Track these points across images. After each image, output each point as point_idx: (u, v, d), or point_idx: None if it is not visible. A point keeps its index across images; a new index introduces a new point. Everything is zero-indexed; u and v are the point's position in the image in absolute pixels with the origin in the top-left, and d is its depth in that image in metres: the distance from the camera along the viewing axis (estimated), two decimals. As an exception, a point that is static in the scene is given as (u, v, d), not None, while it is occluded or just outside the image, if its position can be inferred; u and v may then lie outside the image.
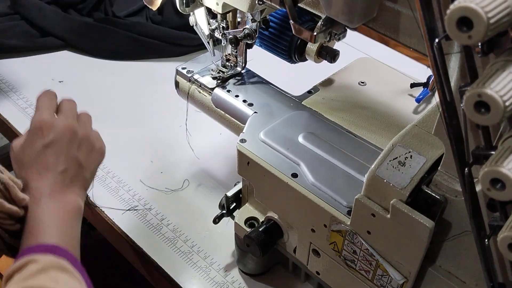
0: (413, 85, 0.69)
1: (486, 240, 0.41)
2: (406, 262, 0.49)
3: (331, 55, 0.65)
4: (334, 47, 0.66)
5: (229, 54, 0.68)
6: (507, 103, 0.30)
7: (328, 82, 0.70)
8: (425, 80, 0.67)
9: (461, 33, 0.29)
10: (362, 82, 0.70)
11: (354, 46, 1.01)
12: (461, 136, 0.39)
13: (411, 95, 0.68)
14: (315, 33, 0.48)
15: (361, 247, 0.52)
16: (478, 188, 0.41)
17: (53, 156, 0.57)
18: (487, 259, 0.42)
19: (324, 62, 0.67)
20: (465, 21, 0.29)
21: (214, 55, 0.69)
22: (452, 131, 0.38)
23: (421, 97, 0.66)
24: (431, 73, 0.68)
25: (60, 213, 0.55)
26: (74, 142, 0.59)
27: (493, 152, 0.35)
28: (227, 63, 0.68)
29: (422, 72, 0.73)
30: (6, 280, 0.48)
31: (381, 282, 0.52)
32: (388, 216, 0.46)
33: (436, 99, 0.39)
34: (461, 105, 0.34)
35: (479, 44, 0.34)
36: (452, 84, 0.39)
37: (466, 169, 0.39)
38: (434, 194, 0.45)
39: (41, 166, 0.56)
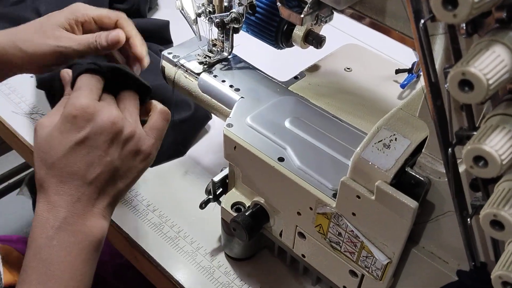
0: (398, 71, 0.69)
1: (468, 220, 0.42)
2: (390, 243, 0.49)
3: (318, 41, 0.65)
4: (322, 32, 0.66)
5: (215, 39, 0.67)
6: (490, 81, 0.30)
7: (314, 68, 0.71)
8: (410, 66, 0.68)
9: (446, 11, 0.30)
10: (348, 68, 0.70)
11: (344, 30, 1.01)
12: (445, 117, 0.40)
13: (396, 81, 0.69)
14: (302, 16, 0.49)
15: (346, 229, 0.52)
16: (461, 169, 0.42)
17: (85, 159, 0.47)
18: (469, 238, 0.44)
19: (311, 48, 0.68)
20: (450, 0, 0.30)
21: (200, 40, 0.69)
22: (436, 112, 0.39)
23: (406, 83, 0.67)
24: (416, 59, 0.69)
25: (73, 252, 0.46)
26: (116, 142, 0.48)
27: (475, 133, 0.36)
28: (214, 48, 0.68)
29: (410, 56, 0.74)
30: None
31: (366, 263, 0.53)
32: (373, 197, 0.47)
33: (421, 83, 0.40)
34: (445, 85, 0.35)
35: (464, 25, 0.35)
36: (437, 66, 0.40)
37: (449, 149, 0.40)
38: (418, 176, 0.46)
39: (66, 171, 0.46)
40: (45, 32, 0.60)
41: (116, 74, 0.53)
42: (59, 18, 0.62)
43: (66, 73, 0.54)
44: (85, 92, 0.48)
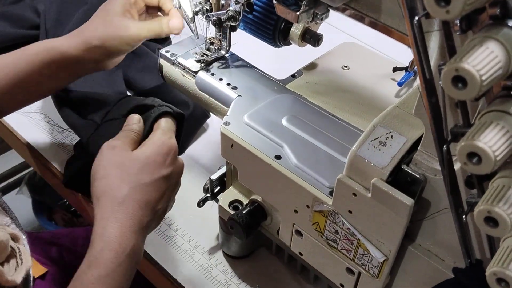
0: (395, 69, 0.69)
1: (463, 217, 0.42)
2: (387, 240, 0.49)
3: (315, 39, 0.65)
4: (319, 31, 0.66)
5: (213, 37, 0.67)
6: (483, 77, 0.30)
7: (311, 66, 0.71)
8: (407, 64, 0.68)
9: (439, 8, 0.30)
10: (346, 66, 0.70)
11: (341, 29, 1.01)
12: (440, 114, 0.40)
13: (393, 79, 0.69)
14: (298, 13, 0.49)
15: (343, 226, 0.52)
16: (456, 166, 0.42)
17: (161, 191, 0.53)
18: (465, 235, 0.44)
19: (308, 46, 0.68)
20: (444, -4, 0.30)
21: (198, 38, 0.69)
22: (431, 109, 0.39)
23: (403, 81, 0.67)
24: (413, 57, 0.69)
25: (129, 279, 0.50)
26: (177, 187, 0.56)
27: (470, 130, 0.36)
28: (211, 47, 0.68)
29: (407, 55, 0.74)
30: None
31: (362, 261, 0.53)
32: (369, 195, 0.47)
33: (417, 82, 0.40)
34: (440, 82, 0.35)
35: (458, 21, 0.35)
36: (432, 63, 0.40)
37: (444, 146, 0.40)
38: (414, 173, 0.46)
39: (145, 199, 0.51)
40: (113, 24, 0.63)
41: (181, 118, 0.64)
42: (117, 7, 0.64)
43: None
44: (172, 135, 0.57)
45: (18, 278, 0.54)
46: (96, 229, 0.51)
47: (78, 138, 0.82)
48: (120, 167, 0.52)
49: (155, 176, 0.53)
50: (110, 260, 0.49)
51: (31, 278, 0.62)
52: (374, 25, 1.00)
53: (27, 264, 0.57)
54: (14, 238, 0.57)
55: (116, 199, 0.51)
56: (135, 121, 0.60)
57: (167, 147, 0.55)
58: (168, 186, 0.55)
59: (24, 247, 0.56)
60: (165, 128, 0.58)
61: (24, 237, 0.59)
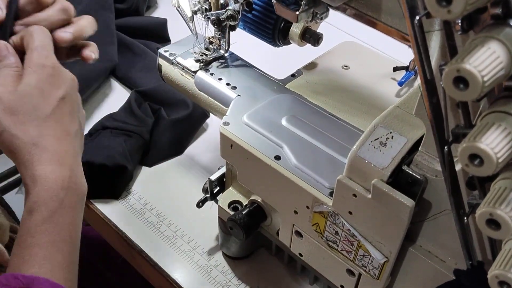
0: (396, 69, 0.69)
1: (465, 218, 0.42)
2: (387, 242, 0.49)
3: (315, 38, 0.65)
4: (319, 30, 0.66)
5: (212, 36, 0.67)
6: (485, 78, 0.30)
7: (311, 66, 0.70)
8: (408, 64, 0.68)
9: (440, 7, 0.29)
10: (346, 66, 0.70)
11: (341, 28, 1.01)
12: (441, 114, 0.39)
13: (393, 79, 0.68)
14: (297, 13, 0.48)
15: (343, 227, 0.52)
16: (458, 167, 0.42)
17: (69, 114, 0.48)
18: (466, 237, 0.43)
19: (308, 45, 0.67)
20: (445, -4, 0.29)
21: (197, 37, 0.68)
22: (432, 110, 0.39)
23: (403, 80, 0.66)
24: (413, 57, 0.69)
25: (77, 211, 0.47)
26: (79, 98, 0.51)
27: (471, 131, 0.35)
28: (210, 46, 0.68)
29: (408, 54, 0.74)
30: None
31: (363, 262, 0.53)
32: (369, 196, 0.47)
33: (418, 81, 0.39)
34: (441, 83, 0.34)
35: (459, 21, 0.34)
36: (433, 63, 0.39)
37: (445, 147, 0.39)
38: (414, 174, 0.46)
39: (60, 129, 0.47)
40: None
41: None
42: None
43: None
44: (50, 51, 0.49)
45: None
46: (25, 178, 0.47)
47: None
48: (13, 112, 0.47)
49: (53, 103, 0.48)
50: (50, 198, 0.46)
51: None
52: (370, 22, 0.99)
53: None
54: (14, 231, 0.56)
55: (28, 144, 0.47)
56: (4, 52, 0.49)
57: (50, 68, 0.48)
58: (71, 103, 0.50)
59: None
60: (38, 46, 0.49)
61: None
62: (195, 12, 0.64)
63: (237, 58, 0.70)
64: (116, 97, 0.90)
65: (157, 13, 1.11)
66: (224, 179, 0.66)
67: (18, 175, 1.54)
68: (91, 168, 0.70)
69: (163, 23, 1.01)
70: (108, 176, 0.73)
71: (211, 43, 0.67)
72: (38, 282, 0.42)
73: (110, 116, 0.82)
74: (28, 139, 0.46)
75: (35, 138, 0.47)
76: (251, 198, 0.62)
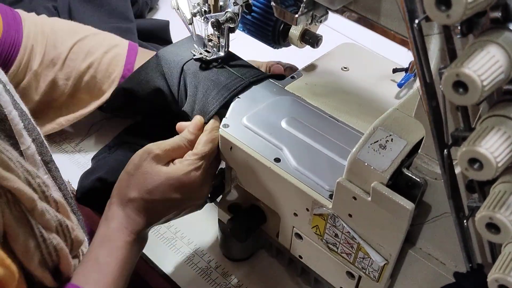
0: (395, 70, 0.69)
1: (465, 221, 0.42)
2: (387, 244, 0.49)
3: (314, 40, 0.65)
4: (318, 32, 0.66)
5: (211, 39, 0.67)
6: (484, 83, 0.30)
7: (311, 68, 0.70)
8: (407, 65, 0.68)
9: (439, 12, 0.29)
10: (345, 68, 0.70)
11: (340, 31, 1.01)
12: (441, 118, 0.39)
13: (393, 80, 0.68)
14: (296, 15, 0.48)
15: (343, 230, 0.52)
16: (457, 170, 0.42)
17: (166, 210, 0.57)
18: (466, 240, 0.43)
19: (307, 47, 0.67)
20: (444, 1, 0.29)
21: (196, 39, 0.68)
22: (432, 113, 0.39)
23: (403, 82, 0.66)
24: (413, 59, 0.69)
25: (134, 261, 0.56)
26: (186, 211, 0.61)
27: (471, 135, 0.35)
28: (209, 46, 0.68)
29: (407, 57, 0.74)
30: None
31: (363, 264, 0.53)
32: (369, 199, 0.47)
33: (417, 84, 0.39)
34: (440, 86, 0.34)
35: (458, 25, 0.34)
36: (432, 66, 0.39)
37: (445, 150, 0.39)
38: (414, 177, 0.45)
39: (148, 211, 0.56)
40: None
41: None
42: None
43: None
44: (201, 167, 0.58)
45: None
46: (101, 223, 0.56)
47: (78, 140, 0.82)
48: (141, 175, 0.56)
49: (166, 196, 0.56)
50: (119, 238, 0.54)
51: None
52: (369, 25, 0.99)
53: None
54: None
55: (125, 197, 0.56)
56: (193, 129, 0.60)
57: (191, 179, 0.57)
58: (177, 208, 0.59)
59: (86, 248, 0.58)
60: (203, 151, 0.58)
61: (86, 239, 0.60)
62: (194, 14, 0.64)
63: (237, 59, 0.70)
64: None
65: (158, 15, 1.11)
66: (224, 181, 0.66)
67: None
68: (105, 184, 0.70)
69: (165, 25, 1.01)
70: None
71: (210, 45, 0.67)
72: None
73: (130, 130, 0.81)
74: (126, 196, 0.56)
75: (130, 199, 0.56)
76: (251, 200, 0.62)
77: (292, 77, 0.68)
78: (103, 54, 0.74)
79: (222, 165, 0.65)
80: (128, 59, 0.74)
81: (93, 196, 0.71)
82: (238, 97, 0.63)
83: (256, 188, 0.60)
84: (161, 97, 0.70)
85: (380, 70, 0.70)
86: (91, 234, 0.58)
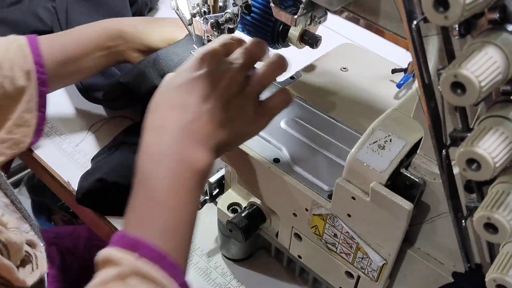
0: (394, 71, 0.69)
1: (463, 221, 0.42)
2: (386, 244, 0.49)
3: (313, 41, 0.65)
4: (317, 33, 0.66)
5: (210, 38, 0.67)
6: (482, 84, 0.30)
7: (310, 68, 0.70)
8: (406, 66, 0.68)
9: (437, 13, 0.30)
10: (344, 68, 0.70)
11: (339, 32, 1.01)
12: (439, 118, 0.40)
13: (392, 81, 0.68)
14: (295, 16, 0.48)
15: (342, 230, 0.52)
16: (456, 170, 0.42)
17: (200, 92, 0.47)
18: (464, 240, 0.43)
19: (307, 48, 0.67)
20: (442, 2, 0.29)
21: (195, 39, 0.68)
22: (430, 114, 0.39)
23: (402, 82, 0.67)
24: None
25: (176, 182, 0.45)
26: (229, 92, 0.48)
27: (469, 135, 0.35)
28: (209, 48, 0.68)
29: (405, 57, 0.74)
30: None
31: (362, 264, 0.53)
32: (368, 199, 0.47)
33: (416, 84, 0.39)
34: (439, 87, 0.35)
35: (456, 26, 0.34)
36: (431, 67, 0.39)
37: (443, 151, 0.40)
38: (413, 177, 0.46)
39: (177, 102, 0.46)
40: None
41: None
42: None
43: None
44: (214, 45, 0.52)
45: (30, 281, 0.53)
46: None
47: (78, 140, 0.82)
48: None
49: (185, 79, 0.48)
50: (145, 162, 0.46)
51: (45, 284, 0.62)
52: (368, 26, 0.99)
53: (42, 269, 0.56)
54: (32, 245, 0.56)
55: (150, 108, 0.49)
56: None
57: (200, 52, 0.49)
58: (211, 85, 0.47)
59: (41, 253, 0.55)
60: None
61: (42, 244, 0.58)
62: (194, 15, 0.65)
63: (236, 60, 0.70)
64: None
65: (158, 16, 1.11)
66: (223, 181, 0.66)
67: (18, 176, 1.54)
68: (105, 185, 0.70)
69: None
70: (121, 194, 0.73)
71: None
72: (142, 245, 0.42)
73: (130, 130, 0.80)
74: (151, 104, 0.50)
75: (154, 105, 0.49)
76: (250, 200, 0.62)
77: (292, 78, 0.68)
78: (5, 51, 0.69)
79: (222, 165, 0.65)
80: (31, 46, 0.70)
81: (93, 197, 0.71)
82: (238, 98, 0.63)
83: (255, 188, 0.60)
84: None
85: (379, 71, 0.70)
86: (88, 239, 0.56)
